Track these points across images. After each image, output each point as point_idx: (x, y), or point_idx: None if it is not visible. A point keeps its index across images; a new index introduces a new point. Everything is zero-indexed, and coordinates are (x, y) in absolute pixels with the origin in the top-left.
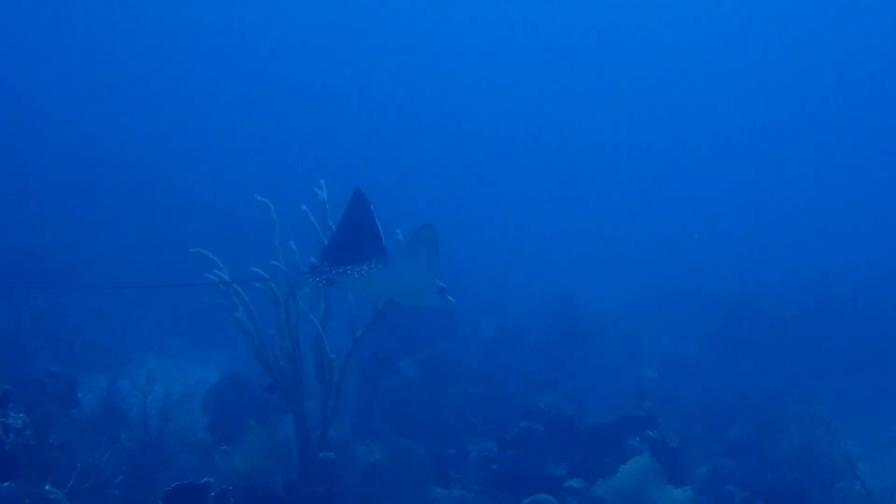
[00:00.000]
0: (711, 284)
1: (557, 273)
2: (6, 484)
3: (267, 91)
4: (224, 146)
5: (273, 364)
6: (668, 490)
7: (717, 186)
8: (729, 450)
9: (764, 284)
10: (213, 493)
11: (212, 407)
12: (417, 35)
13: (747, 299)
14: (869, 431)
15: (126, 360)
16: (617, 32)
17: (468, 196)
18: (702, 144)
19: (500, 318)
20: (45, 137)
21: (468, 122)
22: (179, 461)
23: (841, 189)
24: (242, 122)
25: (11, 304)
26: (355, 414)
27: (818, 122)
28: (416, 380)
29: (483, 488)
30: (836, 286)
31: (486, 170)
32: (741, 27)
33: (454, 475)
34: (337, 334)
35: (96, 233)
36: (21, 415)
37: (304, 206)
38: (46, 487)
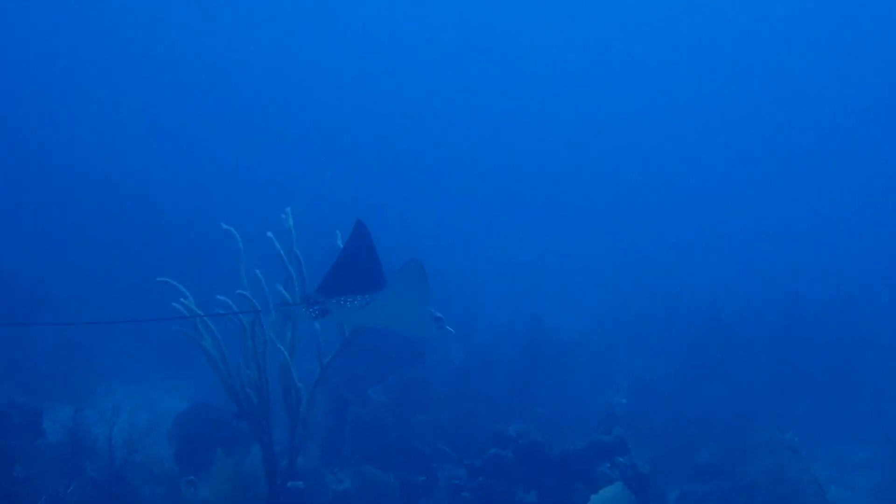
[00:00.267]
0: (681, 308)
1: (527, 297)
2: None
3: (239, 115)
4: (194, 171)
5: (240, 393)
6: None
7: (686, 209)
8: (699, 475)
9: (733, 307)
10: None
11: (178, 436)
12: (386, 59)
13: (716, 322)
14: (838, 454)
15: (92, 389)
16: (583, 65)
17: (434, 220)
18: (671, 169)
19: (470, 344)
20: (6, 159)
21: (433, 145)
22: (146, 492)
23: (809, 211)
24: (212, 146)
25: None
26: (324, 442)
27: (786, 143)
28: (386, 406)
29: None
30: (804, 308)
31: (453, 193)
32: (699, 66)
33: (423, 503)
34: (304, 362)
35: (61, 258)
36: None
37: (269, 234)
38: None
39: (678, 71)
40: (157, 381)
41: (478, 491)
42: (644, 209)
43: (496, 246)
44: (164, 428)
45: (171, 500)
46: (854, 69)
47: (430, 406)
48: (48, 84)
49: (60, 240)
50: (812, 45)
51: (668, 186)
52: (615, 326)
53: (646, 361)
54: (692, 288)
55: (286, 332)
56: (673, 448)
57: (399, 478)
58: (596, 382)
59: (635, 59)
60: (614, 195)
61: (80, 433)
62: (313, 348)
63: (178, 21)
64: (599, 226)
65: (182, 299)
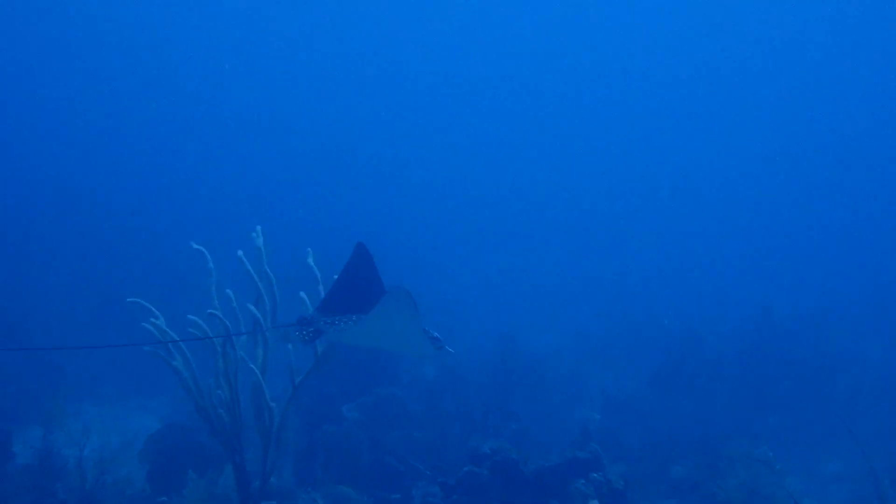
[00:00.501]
0: (654, 323)
1: (501, 315)
2: None
3: (215, 132)
4: (167, 189)
5: (212, 413)
6: None
7: (658, 227)
8: (674, 490)
9: (706, 321)
10: None
11: (150, 457)
12: (366, 71)
13: (688, 337)
14: (811, 466)
15: (63, 411)
16: (565, 89)
17: (409, 235)
18: (643, 187)
19: (444, 361)
20: None
21: (411, 160)
22: None
23: (779, 227)
24: (184, 165)
25: None
26: (297, 461)
27: (756, 161)
28: (359, 424)
29: None
30: (775, 322)
31: (429, 209)
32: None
33: None
34: (277, 381)
35: (31, 277)
36: None
37: (239, 253)
38: None
39: (652, 95)
40: (128, 401)
41: None
42: (616, 227)
43: (470, 263)
44: (136, 448)
45: None
46: (828, 90)
47: (404, 423)
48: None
49: (31, 258)
50: (767, 71)
51: (639, 204)
52: (589, 343)
53: (619, 377)
54: (665, 304)
55: (258, 352)
56: (647, 463)
57: (373, 496)
58: (570, 399)
59: (609, 86)
60: (587, 214)
61: (51, 455)
62: (285, 367)
63: (148, 35)
64: (572, 244)
65: (153, 319)
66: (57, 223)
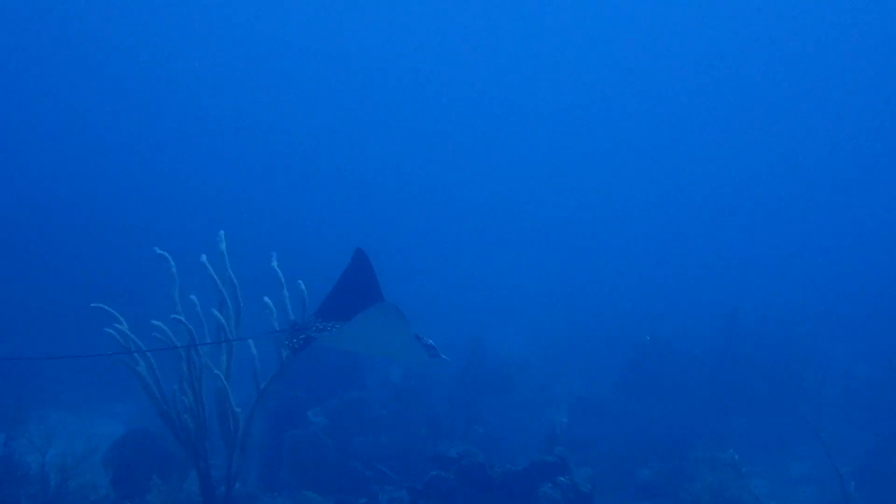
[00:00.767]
0: (622, 327)
1: (468, 318)
2: None
3: (182, 136)
4: (134, 194)
5: (176, 419)
6: None
7: (627, 230)
8: (640, 493)
9: (673, 324)
10: None
11: (115, 462)
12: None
13: (655, 340)
14: (777, 469)
15: (25, 416)
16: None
17: (377, 236)
18: (611, 190)
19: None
20: None
21: (386, 163)
22: None
23: (746, 229)
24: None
25: None
26: (263, 466)
27: (725, 161)
28: (325, 429)
29: None
30: (742, 324)
31: (397, 211)
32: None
33: None
34: (241, 386)
35: None
36: None
37: (203, 258)
38: None
39: (620, 105)
40: (92, 406)
41: None
42: (585, 232)
43: (439, 267)
44: (100, 454)
45: None
46: (801, 100)
47: (371, 428)
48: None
49: None
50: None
51: (608, 210)
52: (557, 347)
53: (587, 381)
54: (633, 307)
55: (222, 357)
56: (614, 466)
57: (339, 501)
58: (537, 402)
59: (578, 94)
60: (555, 220)
61: (12, 461)
62: (250, 372)
63: (118, 37)
64: (540, 249)
65: (116, 324)
66: (18, 228)
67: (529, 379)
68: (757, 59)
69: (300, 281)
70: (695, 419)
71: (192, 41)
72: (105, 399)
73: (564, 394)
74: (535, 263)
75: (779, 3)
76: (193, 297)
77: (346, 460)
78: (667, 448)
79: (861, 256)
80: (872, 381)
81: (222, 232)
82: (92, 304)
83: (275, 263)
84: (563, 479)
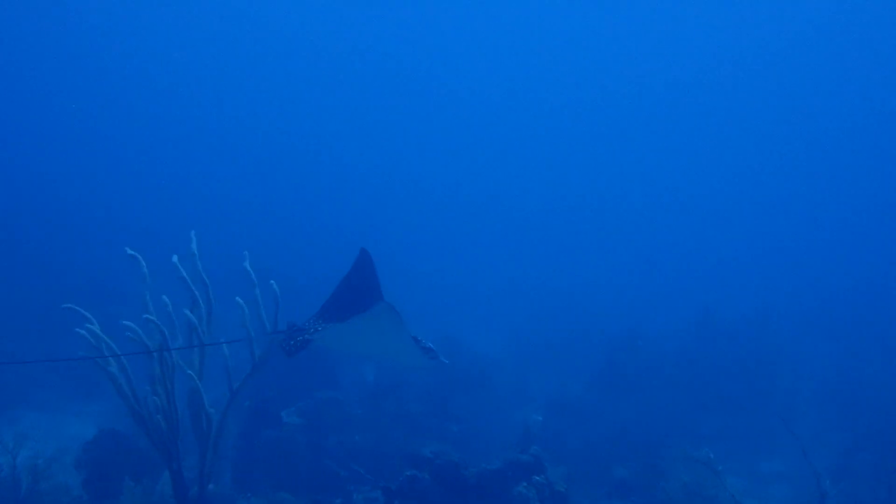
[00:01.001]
0: (597, 325)
1: (443, 316)
2: None
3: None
4: (106, 196)
5: (148, 419)
6: None
7: (603, 228)
8: (616, 491)
9: (648, 322)
10: None
11: (87, 464)
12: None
13: (630, 338)
14: (752, 466)
15: None
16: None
17: (346, 237)
18: (586, 190)
19: (384, 364)
20: None
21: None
22: None
23: (720, 229)
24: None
25: None
26: (236, 467)
27: (697, 160)
28: (299, 429)
29: None
30: (715, 323)
31: (368, 209)
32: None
33: None
34: (214, 386)
35: None
36: None
37: (174, 258)
38: None
39: (601, 106)
40: (64, 406)
41: None
42: (560, 232)
43: (415, 265)
44: (72, 455)
45: None
46: (772, 95)
47: (345, 428)
48: None
49: None
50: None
51: (584, 207)
52: (532, 346)
53: (561, 379)
54: (608, 306)
55: (194, 357)
56: (589, 465)
57: (313, 501)
58: (512, 401)
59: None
60: (529, 220)
61: None
62: (223, 372)
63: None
64: (515, 249)
65: (88, 325)
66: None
67: (504, 377)
68: (731, 58)
69: (272, 281)
70: (670, 417)
71: (177, 31)
72: (77, 399)
73: (539, 392)
74: (511, 262)
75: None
76: (165, 297)
77: (321, 460)
78: (642, 446)
79: (835, 255)
80: (846, 379)
81: (193, 232)
82: (63, 306)
83: (247, 264)
84: (538, 478)
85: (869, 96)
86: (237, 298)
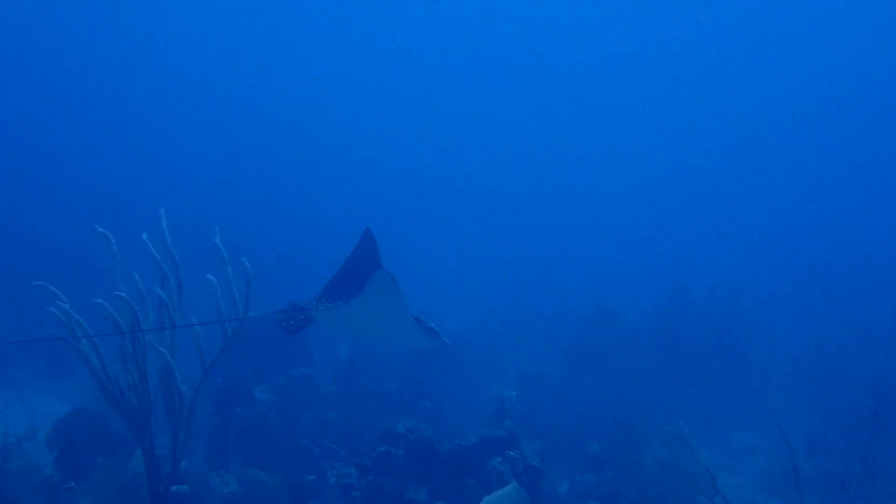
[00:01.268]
0: (571, 301)
1: (416, 292)
2: None
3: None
4: (76, 176)
5: (120, 397)
6: None
7: (576, 206)
8: (590, 466)
9: (621, 298)
10: None
11: (58, 443)
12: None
13: (603, 314)
14: (726, 440)
15: None
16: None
17: (316, 211)
18: (560, 165)
19: (357, 341)
20: None
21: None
22: (24, 501)
23: (695, 205)
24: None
25: None
26: (209, 444)
27: (669, 136)
28: (273, 406)
29: None
30: (689, 297)
31: (333, 183)
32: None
33: (313, 503)
34: (187, 364)
35: None
36: None
37: (144, 236)
38: None
39: (572, 80)
40: (36, 385)
41: (368, 490)
42: (535, 208)
43: (386, 239)
44: (44, 434)
45: None
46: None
47: (318, 404)
48: None
49: None
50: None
51: (556, 182)
52: (506, 321)
53: (536, 355)
54: (582, 281)
55: (166, 334)
56: (564, 440)
57: (287, 479)
58: (486, 376)
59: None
60: (504, 195)
61: None
62: (195, 349)
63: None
64: (490, 224)
65: (59, 302)
66: None
67: (478, 353)
68: (698, 34)
69: (244, 258)
70: (644, 392)
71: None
72: (49, 378)
73: (514, 368)
74: (485, 238)
75: None
76: (135, 274)
77: (294, 437)
78: (616, 421)
79: (807, 232)
80: (819, 354)
81: (162, 209)
82: (33, 283)
83: (217, 240)
84: (512, 452)
85: (834, 72)
86: (208, 275)
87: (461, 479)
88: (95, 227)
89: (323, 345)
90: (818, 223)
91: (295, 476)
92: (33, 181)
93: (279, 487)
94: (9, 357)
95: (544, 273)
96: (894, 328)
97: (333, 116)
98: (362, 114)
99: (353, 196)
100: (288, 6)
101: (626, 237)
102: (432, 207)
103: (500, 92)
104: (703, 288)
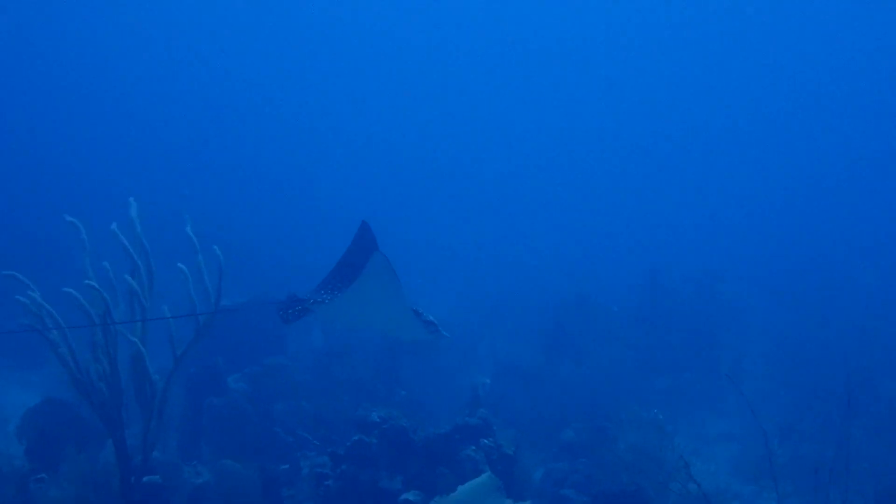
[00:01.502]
0: (546, 289)
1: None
2: None
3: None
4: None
5: (90, 387)
6: None
7: (552, 190)
8: (564, 453)
9: (595, 285)
10: None
11: (28, 433)
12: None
13: (579, 301)
14: (699, 426)
15: None
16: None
17: (286, 198)
18: (538, 154)
19: (331, 329)
20: None
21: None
22: None
23: (670, 191)
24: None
25: None
26: (182, 435)
27: (647, 124)
28: (246, 395)
29: None
30: (664, 285)
31: (302, 170)
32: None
33: (286, 492)
34: (158, 353)
35: None
36: None
37: (113, 226)
38: None
39: (553, 71)
40: (6, 375)
41: (342, 479)
42: (511, 195)
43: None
44: (14, 424)
45: (21, 499)
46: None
47: (292, 394)
48: None
49: None
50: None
51: (533, 170)
52: (480, 309)
53: (510, 343)
54: (557, 268)
55: (137, 324)
56: (538, 428)
57: (261, 468)
58: (461, 364)
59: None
60: (481, 181)
61: None
62: (167, 339)
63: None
64: (465, 210)
65: (29, 292)
66: None
67: (453, 341)
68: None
69: (215, 246)
70: (619, 379)
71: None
72: (20, 368)
73: (488, 356)
74: (459, 226)
75: None
76: (106, 263)
77: (268, 427)
78: (591, 409)
79: (781, 217)
80: (792, 340)
81: (132, 198)
82: (2, 272)
83: (188, 229)
84: (486, 441)
85: (814, 61)
86: (179, 265)
87: (435, 467)
88: (65, 216)
89: (297, 334)
90: (796, 211)
91: (268, 466)
92: (2, 170)
93: (252, 477)
94: None
95: (521, 260)
96: (868, 314)
97: (320, 108)
98: (344, 97)
99: (327, 183)
100: None
101: (604, 225)
102: (406, 195)
103: (477, 80)
104: (679, 275)
